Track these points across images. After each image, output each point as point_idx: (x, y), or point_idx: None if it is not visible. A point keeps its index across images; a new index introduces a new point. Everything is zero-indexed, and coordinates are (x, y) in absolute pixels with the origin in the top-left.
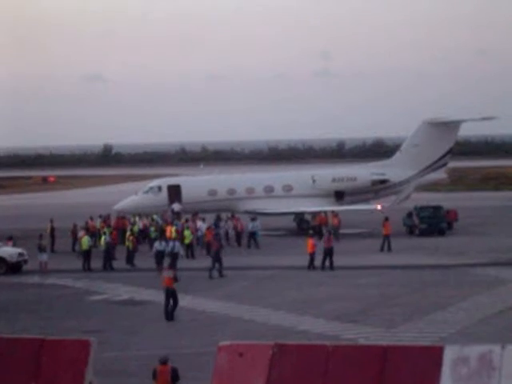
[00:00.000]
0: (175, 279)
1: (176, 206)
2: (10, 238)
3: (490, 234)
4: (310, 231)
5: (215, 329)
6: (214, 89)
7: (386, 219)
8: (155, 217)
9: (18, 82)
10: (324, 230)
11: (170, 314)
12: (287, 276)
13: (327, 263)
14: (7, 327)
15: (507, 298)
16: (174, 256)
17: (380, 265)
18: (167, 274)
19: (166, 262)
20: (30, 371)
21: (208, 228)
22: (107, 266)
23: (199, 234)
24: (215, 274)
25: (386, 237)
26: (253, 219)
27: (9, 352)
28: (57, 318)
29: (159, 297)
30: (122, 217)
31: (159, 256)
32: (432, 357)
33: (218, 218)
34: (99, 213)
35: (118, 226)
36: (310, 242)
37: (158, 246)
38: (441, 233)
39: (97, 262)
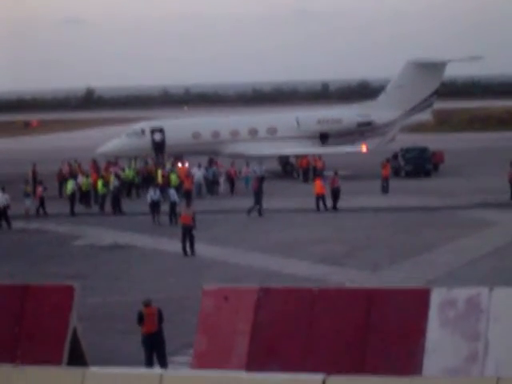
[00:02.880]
0: (193, 218)
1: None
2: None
3: (477, 176)
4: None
5: (200, 272)
6: (197, 31)
7: (387, 161)
8: (133, 162)
9: None
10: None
11: (191, 250)
12: (273, 219)
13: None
14: None
15: (494, 239)
16: (173, 205)
17: (365, 207)
18: (186, 211)
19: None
20: (14, 317)
21: (187, 175)
22: (116, 210)
23: (195, 180)
24: (255, 213)
25: (385, 179)
26: (260, 163)
27: None
28: (40, 263)
29: (143, 241)
30: (112, 161)
31: (154, 205)
32: (419, 300)
33: (211, 161)
34: (83, 157)
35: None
36: (318, 182)
37: (152, 195)
38: (427, 174)
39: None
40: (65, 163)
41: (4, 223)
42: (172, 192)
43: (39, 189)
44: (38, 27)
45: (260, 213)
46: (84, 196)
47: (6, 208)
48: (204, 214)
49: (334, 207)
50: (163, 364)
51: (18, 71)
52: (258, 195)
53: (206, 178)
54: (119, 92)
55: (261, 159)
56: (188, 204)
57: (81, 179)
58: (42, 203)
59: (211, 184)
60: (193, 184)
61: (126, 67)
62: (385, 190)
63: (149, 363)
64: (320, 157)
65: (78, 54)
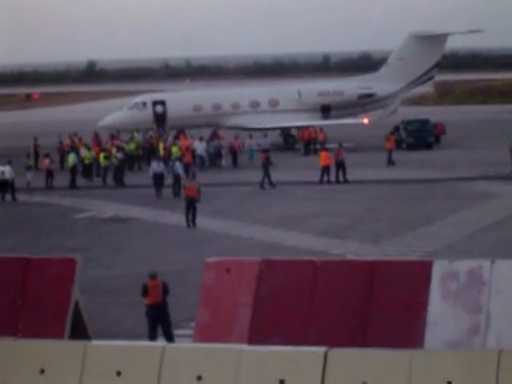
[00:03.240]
0: (198, 190)
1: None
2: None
3: (478, 148)
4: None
5: (202, 245)
6: (196, 3)
7: (391, 133)
8: (136, 134)
9: None
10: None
11: (192, 222)
12: (274, 191)
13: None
14: None
15: (496, 212)
16: (177, 178)
17: (366, 179)
18: (191, 183)
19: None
20: (16, 290)
21: (187, 148)
22: (118, 182)
23: (197, 153)
24: (267, 185)
25: (390, 151)
26: (265, 135)
27: None
28: (42, 236)
29: (145, 214)
30: (114, 134)
31: (157, 178)
32: (420, 272)
33: (214, 134)
34: (85, 130)
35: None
36: (324, 154)
37: (155, 167)
38: (428, 146)
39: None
40: (65, 136)
41: (8, 196)
42: (177, 165)
43: (46, 161)
44: (36, 1)
45: (262, 186)
46: (86, 169)
47: (13, 181)
48: (206, 187)
49: (344, 179)
50: (169, 336)
51: (18, 44)
52: (267, 167)
53: (207, 151)
54: (120, 65)
55: (264, 132)
56: (193, 176)
57: (83, 152)
58: (49, 175)
59: (213, 157)
60: (193, 157)
61: (127, 40)
62: (390, 162)
63: (152, 335)
64: (321, 129)
65: (78, 27)
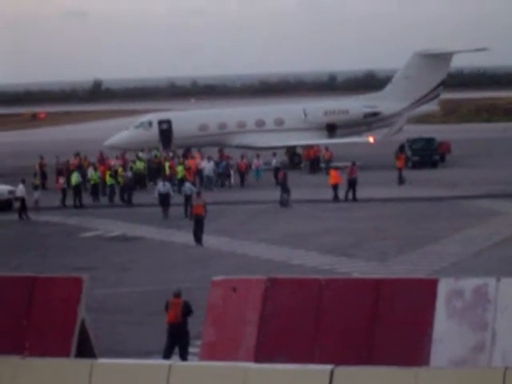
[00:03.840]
0: (205, 208)
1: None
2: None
3: (483, 166)
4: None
5: (208, 263)
6: (204, 23)
7: (401, 152)
8: (141, 154)
9: (3, 20)
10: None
11: (199, 240)
12: (279, 210)
13: (350, 195)
14: None
15: (501, 230)
16: (188, 198)
17: (372, 198)
18: (197, 201)
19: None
20: (23, 309)
21: (188, 168)
22: (125, 201)
23: (205, 173)
24: (285, 202)
25: (400, 169)
26: (274, 154)
27: (1, 290)
28: (49, 255)
29: (151, 233)
30: (119, 155)
31: (163, 198)
32: (426, 290)
33: (222, 154)
34: (91, 149)
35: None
36: (333, 173)
37: (161, 188)
38: (433, 165)
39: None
40: (71, 156)
41: (20, 215)
42: (188, 185)
43: (60, 181)
44: (42, 20)
45: (284, 203)
46: (93, 189)
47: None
48: (213, 206)
49: (354, 198)
50: (183, 357)
51: (24, 64)
52: (284, 185)
53: (215, 172)
54: (126, 84)
55: (273, 151)
56: (198, 194)
57: (90, 173)
58: (64, 195)
59: (222, 177)
60: (200, 177)
61: (133, 59)
62: (401, 180)
63: (166, 353)
64: (327, 148)
65: (83, 46)
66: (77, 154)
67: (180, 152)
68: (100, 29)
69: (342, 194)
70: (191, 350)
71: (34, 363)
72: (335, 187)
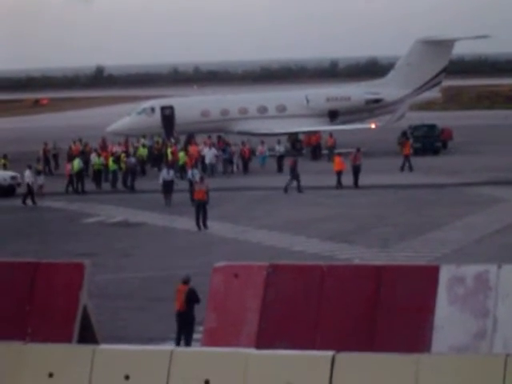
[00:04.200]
0: (207, 193)
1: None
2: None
3: (485, 153)
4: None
5: (210, 249)
6: (206, 9)
7: (407, 139)
8: (143, 140)
9: (5, 5)
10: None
11: (203, 225)
12: (281, 197)
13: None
14: (1, 251)
15: (503, 217)
16: (193, 184)
17: (373, 184)
18: (200, 186)
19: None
20: (25, 295)
21: (189, 154)
22: (129, 187)
23: (207, 161)
24: (293, 190)
25: (406, 156)
26: (279, 142)
27: (3, 276)
28: (51, 241)
29: (154, 219)
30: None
31: (167, 185)
32: (428, 276)
33: (221, 140)
34: (93, 135)
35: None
36: (338, 159)
37: (165, 175)
38: (435, 152)
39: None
40: (75, 141)
41: (24, 201)
42: (195, 172)
43: (68, 167)
44: (44, 6)
45: (299, 189)
46: (95, 175)
47: (32, 185)
48: (215, 192)
49: (355, 184)
50: (188, 344)
51: (26, 50)
52: (294, 172)
53: (218, 157)
54: (128, 70)
55: (278, 137)
56: (201, 179)
57: (93, 158)
58: (71, 181)
59: (225, 163)
60: (202, 163)
61: (135, 46)
62: (410, 168)
63: (176, 340)
64: (331, 134)
65: (85, 32)
66: (79, 140)
67: (182, 138)
68: (103, 15)
69: (345, 181)
70: (194, 336)
71: (36, 349)
72: (339, 174)
